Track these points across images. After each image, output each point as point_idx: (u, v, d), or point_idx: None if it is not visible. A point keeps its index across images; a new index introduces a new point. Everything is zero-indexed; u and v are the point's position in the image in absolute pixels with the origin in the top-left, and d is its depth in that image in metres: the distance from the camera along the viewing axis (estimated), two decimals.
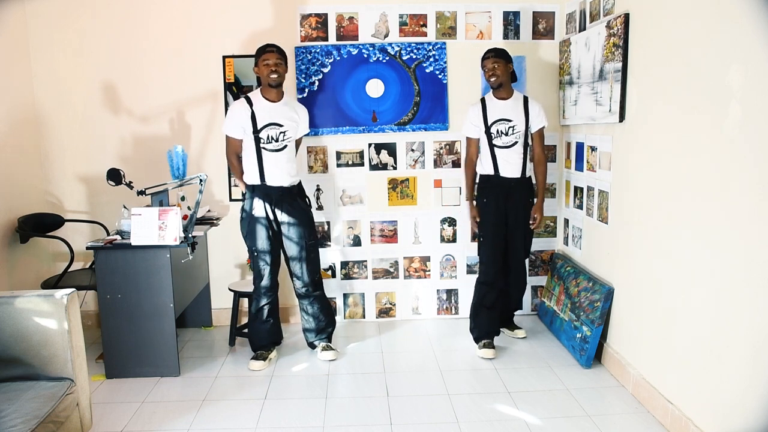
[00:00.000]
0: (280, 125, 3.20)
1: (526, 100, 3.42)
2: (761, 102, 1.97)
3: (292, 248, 3.30)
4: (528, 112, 3.37)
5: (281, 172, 3.22)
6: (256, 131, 3.19)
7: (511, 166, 3.37)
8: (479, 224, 3.48)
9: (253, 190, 3.25)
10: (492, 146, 3.38)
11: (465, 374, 3.18)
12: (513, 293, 3.62)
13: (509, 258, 3.51)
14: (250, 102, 3.23)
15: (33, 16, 3.70)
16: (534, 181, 3.53)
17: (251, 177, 3.24)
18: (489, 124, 3.38)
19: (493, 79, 3.32)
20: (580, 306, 3.34)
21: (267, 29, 3.77)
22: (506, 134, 3.36)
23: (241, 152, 3.28)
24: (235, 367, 3.32)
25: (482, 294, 3.47)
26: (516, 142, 3.36)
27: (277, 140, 3.20)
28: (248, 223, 3.27)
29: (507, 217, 3.43)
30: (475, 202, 3.53)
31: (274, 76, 3.16)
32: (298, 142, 3.43)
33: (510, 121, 3.35)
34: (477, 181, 3.54)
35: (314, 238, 3.37)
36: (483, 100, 3.45)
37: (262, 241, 3.25)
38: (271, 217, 3.25)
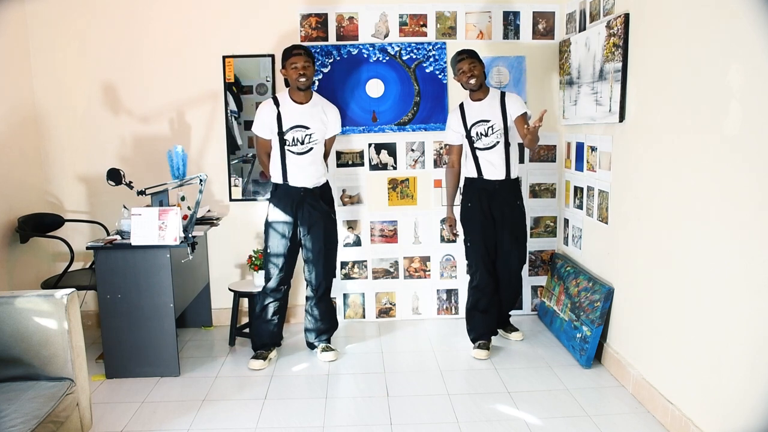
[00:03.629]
0: (307, 128, 3.19)
1: (503, 96, 3.32)
2: (761, 102, 1.97)
3: (308, 251, 3.30)
4: (505, 107, 3.28)
5: (304, 174, 3.22)
6: (281, 133, 3.19)
7: (494, 168, 3.30)
8: (465, 228, 3.43)
9: (276, 189, 3.28)
10: (474, 149, 3.33)
11: (465, 374, 3.18)
12: (504, 297, 3.53)
13: (499, 264, 3.43)
14: (277, 103, 3.23)
15: (33, 16, 3.70)
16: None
17: (275, 176, 3.27)
18: (468, 127, 3.32)
19: (472, 81, 3.23)
20: (580, 306, 3.34)
21: (267, 29, 3.77)
22: (486, 135, 3.29)
23: (271, 151, 3.30)
24: (235, 367, 3.32)
25: (475, 299, 3.43)
26: (498, 142, 3.28)
27: (302, 143, 3.19)
28: (268, 221, 3.29)
29: (493, 220, 3.36)
30: (459, 208, 3.47)
31: (303, 79, 3.13)
32: (330, 142, 3.39)
33: (488, 121, 3.28)
34: (462, 185, 3.47)
35: (332, 241, 3.34)
36: (461, 105, 3.39)
37: (276, 244, 3.26)
38: (290, 219, 3.24)
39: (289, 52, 3.15)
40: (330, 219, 3.32)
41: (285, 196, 3.24)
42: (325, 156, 3.39)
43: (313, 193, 3.25)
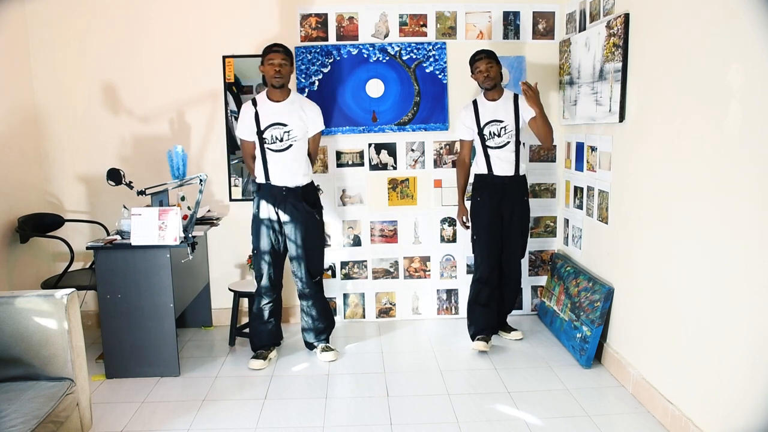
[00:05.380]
0: (284, 125, 3.20)
1: (516, 97, 3.40)
2: (761, 102, 1.98)
3: (292, 249, 3.30)
4: (518, 109, 3.37)
5: (286, 172, 3.23)
6: (260, 132, 3.21)
7: (504, 164, 3.38)
8: (473, 223, 3.49)
9: (259, 188, 3.29)
10: (485, 147, 3.39)
11: (465, 374, 3.18)
12: (506, 294, 3.59)
13: (504, 258, 3.50)
14: (255, 103, 3.26)
15: (33, 16, 3.70)
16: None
17: (259, 176, 3.29)
18: (481, 126, 3.38)
19: (488, 81, 3.31)
20: (580, 306, 3.34)
21: (267, 29, 3.77)
22: (498, 135, 3.36)
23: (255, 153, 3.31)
24: (235, 367, 3.32)
25: (476, 291, 3.47)
26: (508, 142, 3.36)
27: (281, 140, 3.20)
28: (253, 221, 3.31)
29: (502, 216, 3.43)
30: (468, 203, 3.54)
31: (278, 78, 3.15)
32: (315, 140, 3.38)
33: (501, 122, 3.35)
34: (471, 180, 3.55)
35: (316, 240, 3.34)
36: (475, 102, 3.45)
37: (262, 241, 3.27)
38: (274, 217, 3.26)
39: (269, 49, 3.18)
40: (313, 219, 3.30)
41: (268, 195, 3.26)
42: (311, 157, 3.39)
43: (295, 192, 3.25)
